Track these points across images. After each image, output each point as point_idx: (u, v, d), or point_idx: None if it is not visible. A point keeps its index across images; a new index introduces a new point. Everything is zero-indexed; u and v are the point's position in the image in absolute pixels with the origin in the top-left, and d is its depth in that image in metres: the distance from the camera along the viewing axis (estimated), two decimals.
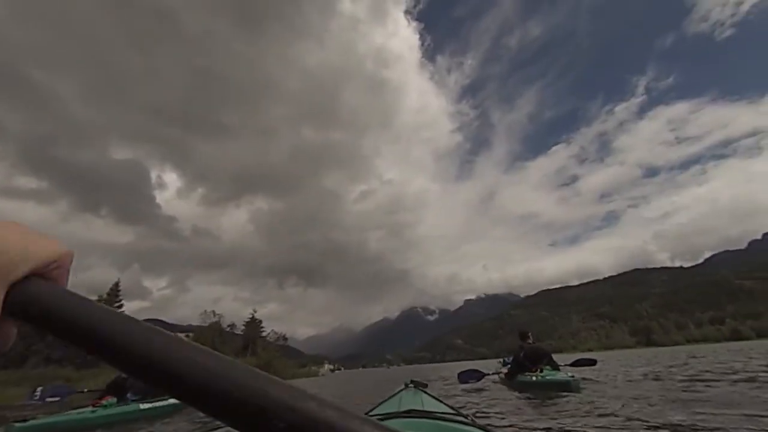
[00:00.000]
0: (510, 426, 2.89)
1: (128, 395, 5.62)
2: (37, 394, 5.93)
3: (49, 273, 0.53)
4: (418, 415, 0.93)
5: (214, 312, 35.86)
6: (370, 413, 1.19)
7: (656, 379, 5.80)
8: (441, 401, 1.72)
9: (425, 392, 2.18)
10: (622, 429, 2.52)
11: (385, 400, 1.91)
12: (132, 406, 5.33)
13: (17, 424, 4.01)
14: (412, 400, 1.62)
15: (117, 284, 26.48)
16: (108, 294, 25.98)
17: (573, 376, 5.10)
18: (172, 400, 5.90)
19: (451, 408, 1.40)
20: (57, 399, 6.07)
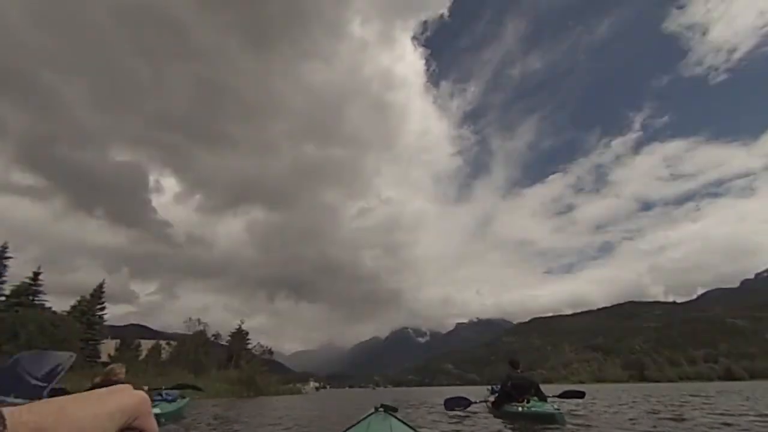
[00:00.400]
0: None
1: None
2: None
3: (135, 422, 0.59)
4: None
5: (199, 320, 34.83)
6: None
7: (644, 416, 5.68)
8: (410, 427, 1.64)
9: (395, 417, 2.09)
10: None
11: (353, 426, 1.83)
12: None
13: None
14: (380, 426, 1.56)
15: (101, 285, 25.72)
16: (91, 295, 25.22)
17: (558, 409, 5.01)
18: (153, 410, 5.53)
19: None
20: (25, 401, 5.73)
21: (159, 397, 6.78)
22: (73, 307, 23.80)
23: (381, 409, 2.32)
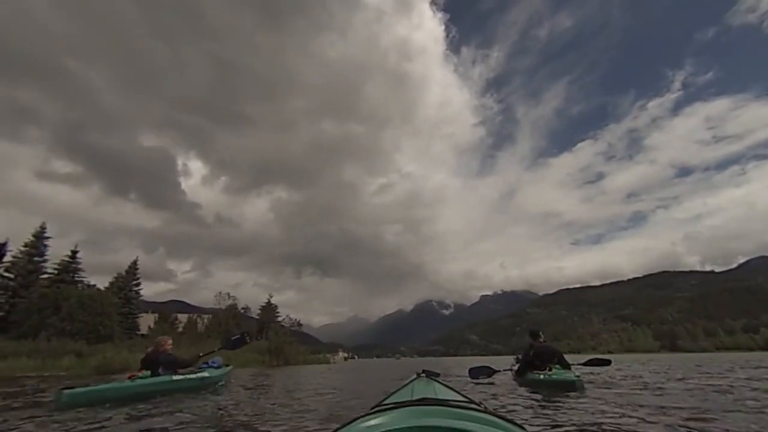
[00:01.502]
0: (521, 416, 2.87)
1: (160, 370, 6.02)
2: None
3: None
4: (431, 403, 0.96)
5: (228, 294, 36.19)
6: (383, 402, 1.21)
7: (673, 386, 5.58)
8: (453, 390, 1.75)
9: (437, 381, 2.18)
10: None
11: (398, 390, 1.91)
12: (164, 378, 5.85)
13: (66, 391, 4.40)
14: (425, 390, 1.65)
15: (135, 263, 26.90)
16: (126, 272, 26.45)
17: (578, 377, 5.17)
18: (201, 374, 6.65)
19: (464, 397, 1.43)
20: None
21: (206, 365, 7.53)
22: (111, 284, 25.13)
23: (423, 375, 2.43)
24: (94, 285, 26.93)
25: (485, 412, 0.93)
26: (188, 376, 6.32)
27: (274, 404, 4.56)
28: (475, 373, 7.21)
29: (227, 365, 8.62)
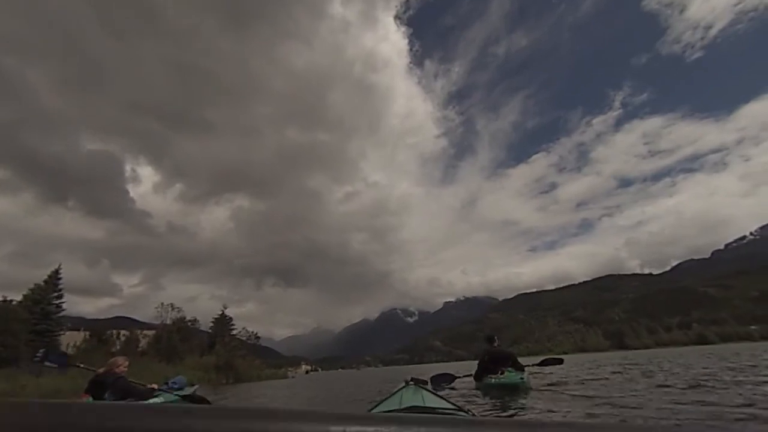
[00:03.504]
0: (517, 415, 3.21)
1: (106, 395, 5.00)
2: (39, 355, 6.00)
3: None
4: (419, 411, 0.91)
5: (172, 305, 32.65)
6: (371, 411, 1.21)
7: (616, 379, 6.37)
8: (442, 398, 1.76)
9: (425, 389, 2.23)
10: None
11: (386, 398, 1.93)
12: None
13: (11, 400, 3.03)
14: (413, 397, 1.67)
15: (56, 272, 23.27)
16: (45, 282, 22.77)
17: (522, 378, 5.71)
18: (153, 400, 5.54)
19: (453, 404, 1.44)
20: (55, 366, 6.07)
21: (165, 386, 6.72)
22: (25, 296, 21.47)
23: (411, 383, 2.44)
24: (9, 300, 23.01)
25: (474, 419, 0.89)
26: (137, 403, 4.82)
27: None
28: (438, 380, 7.25)
29: (192, 385, 7.66)
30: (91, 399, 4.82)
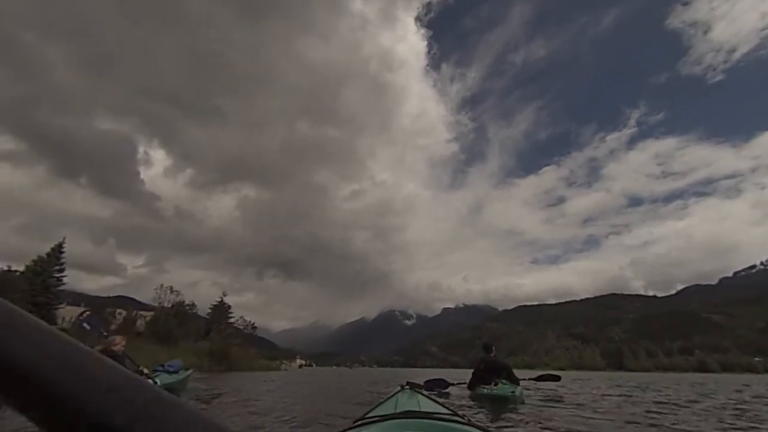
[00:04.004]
0: (507, 427, 3.17)
1: None
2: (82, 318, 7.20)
3: None
4: (414, 416, 0.95)
5: (171, 288, 32.74)
6: (366, 415, 1.24)
7: (615, 402, 6.15)
8: (438, 402, 1.77)
9: (421, 393, 2.21)
10: None
11: (381, 403, 1.94)
12: None
13: None
14: (408, 402, 1.67)
15: (60, 245, 23.44)
16: (48, 255, 22.94)
17: (513, 392, 5.60)
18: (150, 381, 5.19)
19: (448, 409, 1.44)
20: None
21: (160, 368, 6.79)
22: (27, 268, 21.64)
23: (407, 387, 2.43)
24: (13, 270, 23.26)
25: (469, 424, 0.94)
26: None
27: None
28: (431, 385, 7.20)
29: (186, 369, 7.66)
30: None
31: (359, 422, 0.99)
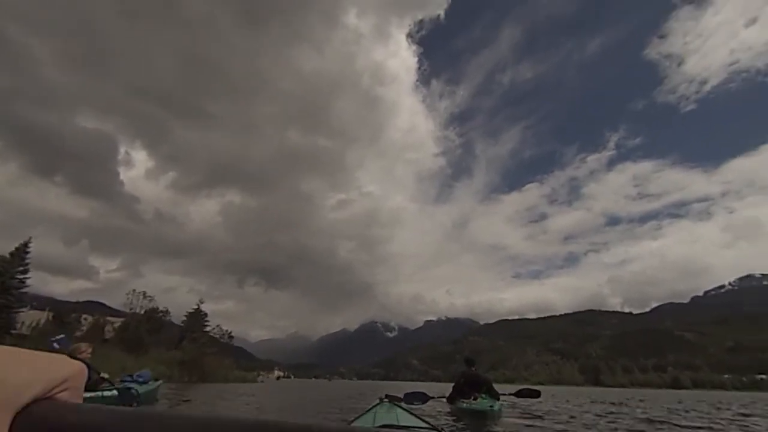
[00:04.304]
0: None
1: None
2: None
3: (59, 393, 0.51)
4: (392, 430, 0.92)
5: (144, 293, 31.32)
6: (343, 430, 1.09)
7: (592, 419, 6.18)
8: (416, 416, 1.76)
9: (400, 407, 2.19)
10: None
11: (359, 416, 1.92)
12: None
13: None
14: (387, 416, 1.66)
15: (25, 245, 22.15)
16: (11, 255, 21.61)
17: (492, 407, 5.50)
18: (115, 392, 5.67)
19: (427, 423, 1.43)
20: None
21: (129, 378, 6.67)
22: None
23: (386, 400, 2.39)
24: None
25: None
26: (101, 393, 5.31)
27: None
28: (410, 398, 7.09)
29: (156, 380, 7.60)
30: None
31: None
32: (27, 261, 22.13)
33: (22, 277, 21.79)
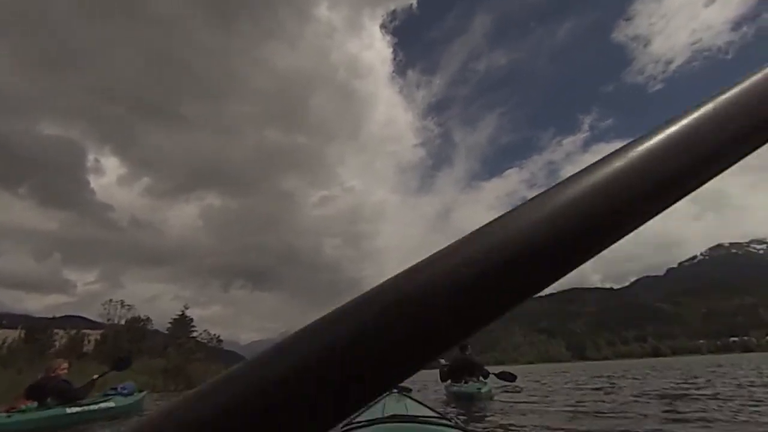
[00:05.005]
0: (494, 429, 3.25)
1: (48, 400, 4.98)
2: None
3: None
4: (402, 420, 0.96)
5: (122, 302, 30.01)
6: (353, 420, 1.23)
7: (577, 393, 6.27)
8: (425, 406, 1.79)
9: (409, 397, 2.20)
10: None
11: (369, 407, 1.82)
12: (55, 410, 4.88)
13: None
14: (396, 406, 1.66)
15: None
16: None
17: (479, 389, 5.64)
18: (104, 404, 5.62)
19: (436, 412, 1.43)
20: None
21: (113, 391, 6.51)
22: None
23: (395, 391, 2.36)
24: None
25: (456, 427, 0.94)
26: (87, 407, 5.29)
27: None
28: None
29: (140, 391, 7.56)
30: (36, 404, 4.85)
31: (346, 427, 0.99)
32: None
33: None
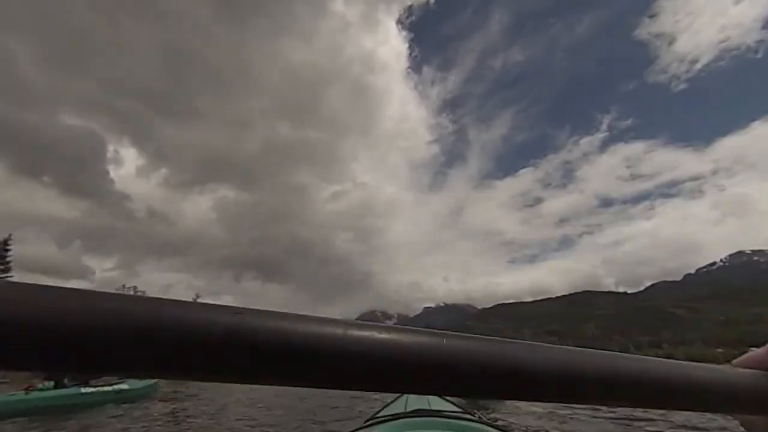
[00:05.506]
0: (515, 423, 3.50)
1: (66, 380, 5.12)
2: None
3: None
4: (425, 415, 0.96)
5: (135, 288, 30.61)
6: (377, 415, 1.24)
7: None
8: (447, 400, 1.77)
9: None
10: None
11: (391, 402, 1.95)
12: (71, 390, 4.99)
13: None
14: (418, 401, 1.63)
15: (5, 242, 21.25)
16: None
17: None
18: (119, 386, 5.65)
19: (458, 407, 1.43)
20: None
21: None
22: None
23: None
24: None
25: (480, 422, 0.95)
26: (102, 389, 5.42)
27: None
28: None
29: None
30: (51, 384, 4.93)
31: (370, 421, 0.98)
32: (8, 259, 21.24)
33: (3, 276, 20.92)
